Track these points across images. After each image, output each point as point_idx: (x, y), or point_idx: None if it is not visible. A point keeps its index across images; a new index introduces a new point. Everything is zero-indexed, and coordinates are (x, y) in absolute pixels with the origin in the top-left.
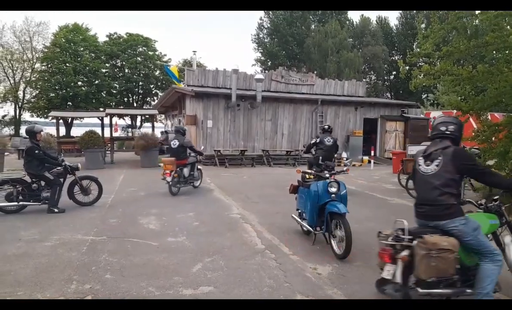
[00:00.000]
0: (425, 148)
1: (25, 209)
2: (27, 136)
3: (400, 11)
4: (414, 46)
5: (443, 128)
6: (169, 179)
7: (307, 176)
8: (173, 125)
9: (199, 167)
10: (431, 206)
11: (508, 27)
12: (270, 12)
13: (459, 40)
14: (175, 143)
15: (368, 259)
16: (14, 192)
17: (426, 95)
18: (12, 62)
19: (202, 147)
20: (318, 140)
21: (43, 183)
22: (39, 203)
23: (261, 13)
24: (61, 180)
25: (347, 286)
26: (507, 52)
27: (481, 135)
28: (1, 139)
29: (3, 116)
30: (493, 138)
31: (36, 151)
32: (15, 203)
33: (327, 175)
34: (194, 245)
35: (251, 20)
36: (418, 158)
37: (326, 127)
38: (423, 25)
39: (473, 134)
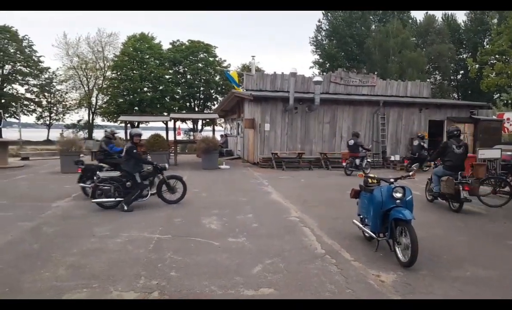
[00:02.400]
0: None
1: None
2: (129, 139)
3: None
4: (484, 43)
5: None
6: (344, 164)
7: (369, 180)
8: (232, 128)
9: (368, 160)
10: None
11: None
12: (329, 13)
13: None
14: (351, 142)
15: (435, 268)
16: (112, 189)
17: (499, 95)
18: (86, 71)
19: (370, 146)
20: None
21: (129, 183)
22: (124, 207)
23: (319, 15)
24: (147, 183)
25: (412, 295)
26: None
27: None
28: (77, 142)
29: (79, 121)
30: None
31: (134, 151)
32: (113, 199)
33: (392, 180)
34: (254, 247)
35: (309, 23)
36: None
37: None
38: (495, 21)
39: None
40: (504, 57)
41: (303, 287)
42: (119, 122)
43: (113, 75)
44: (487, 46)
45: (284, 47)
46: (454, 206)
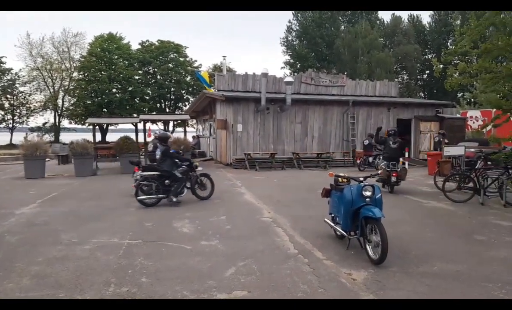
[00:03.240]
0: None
1: (76, 212)
2: (160, 141)
3: None
4: (448, 43)
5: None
6: (358, 161)
7: (340, 179)
8: (204, 129)
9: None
10: None
11: None
12: (299, 14)
13: (498, 36)
14: (366, 142)
15: (404, 265)
16: (153, 187)
17: (462, 94)
18: (51, 71)
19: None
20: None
21: (167, 181)
22: (171, 199)
23: (289, 16)
24: (185, 178)
25: (383, 292)
26: None
27: None
28: (43, 146)
29: (44, 124)
30: None
31: (171, 151)
32: (154, 196)
33: (361, 179)
34: (227, 249)
35: (279, 24)
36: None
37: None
38: (458, 22)
39: None
40: (466, 57)
41: (276, 288)
42: (87, 124)
43: (80, 76)
44: (451, 47)
45: (256, 47)
46: (388, 188)
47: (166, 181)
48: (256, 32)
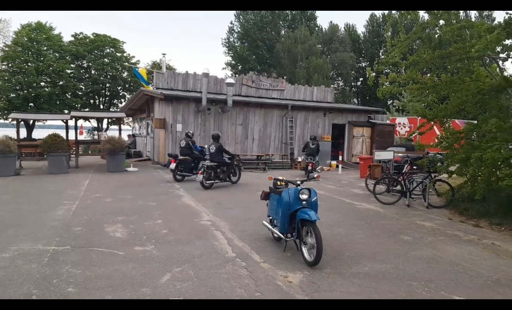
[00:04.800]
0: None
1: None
2: (214, 139)
3: (367, 19)
4: (380, 53)
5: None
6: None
7: (278, 182)
8: (141, 128)
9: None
10: None
11: (473, 38)
12: (241, 16)
13: (424, 50)
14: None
15: (338, 266)
16: (212, 174)
17: (392, 101)
18: None
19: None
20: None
21: (218, 169)
22: (221, 181)
23: (231, 17)
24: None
25: (318, 295)
26: (468, 62)
27: (445, 142)
28: None
29: None
30: (455, 145)
31: (224, 147)
32: (212, 181)
33: (298, 182)
34: (162, 254)
35: (221, 24)
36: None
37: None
38: (389, 33)
39: (437, 140)
40: (396, 68)
41: (212, 294)
42: (10, 120)
43: (3, 66)
44: (383, 57)
45: (197, 46)
46: (306, 174)
47: (218, 170)
48: (198, 30)
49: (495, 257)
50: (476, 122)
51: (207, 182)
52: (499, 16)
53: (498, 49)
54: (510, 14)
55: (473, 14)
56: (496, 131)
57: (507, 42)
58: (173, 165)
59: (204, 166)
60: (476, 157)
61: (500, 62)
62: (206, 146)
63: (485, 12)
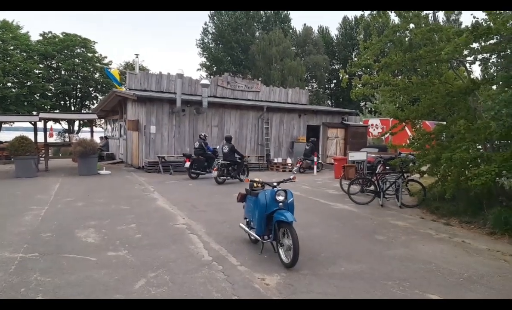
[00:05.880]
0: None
1: None
2: (227, 140)
3: (340, 22)
4: (353, 56)
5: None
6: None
7: (254, 184)
8: (113, 130)
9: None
10: None
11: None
12: (215, 17)
13: (395, 52)
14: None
15: (315, 267)
16: (224, 171)
17: (364, 103)
18: None
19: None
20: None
21: (230, 167)
22: (232, 178)
23: (205, 17)
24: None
25: (295, 296)
26: (437, 65)
27: (416, 143)
28: None
29: None
30: (426, 145)
31: (236, 148)
32: (225, 177)
33: (275, 184)
34: (136, 259)
35: (195, 25)
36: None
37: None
38: (361, 36)
39: (408, 141)
40: (369, 70)
41: (188, 299)
42: None
43: None
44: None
45: (171, 47)
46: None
47: (230, 168)
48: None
49: (465, 254)
50: (445, 123)
51: (221, 178)
52: (466, 21)
53: (466, 52)
54: (478, 18)
55: (441, 19)
56: (465, 132)
57: (474, 45)
58: (187, 164)
59: (218, 164)
60: (446, 157)
61: (468, 65)
62: (218, 146)
63: (453, 17)
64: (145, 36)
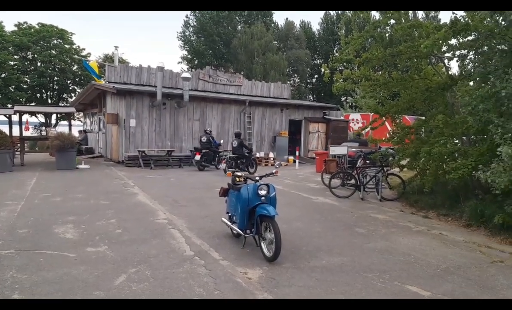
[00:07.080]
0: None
1: None
2: (237, 136)
3: (322, 17)
4: (335, 51)
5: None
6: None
7: (237, 178)
8: (92, 123)
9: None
10: None
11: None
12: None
13: (376, 48)
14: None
15: (297, 260)
16: (233, 164)
17: (345, 98)
18: None
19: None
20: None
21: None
22: (241, 171)
23: (186, 10)
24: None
25: (277, 290)
26: (417, 61)
27: (396, 137)
28: None
29: None
30: (406, 140)
31: (245, 143)
32: (233, 169)
33: (257, 178)
34: (116, 255)
35: (176, 17)
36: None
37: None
38: (343, 31)
39: (388, 136)
40: (350, 65)
41: (170, 294)
42: None
43: None
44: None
45: (151, 39)
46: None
47: (239, 161)
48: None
49: (443, 246)
50: (424, 118)
51: (229, 170)
52: (445, 18)
53: (444, 48)
54: (456, 14)
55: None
56: (443, 127)
57: (453, 41)
58: (197, 157)
59: (227, 157)
60: (425, 151)
61: (446, 61)
62: (221, 141)
63: (432, 14)
64: (125, 29)
